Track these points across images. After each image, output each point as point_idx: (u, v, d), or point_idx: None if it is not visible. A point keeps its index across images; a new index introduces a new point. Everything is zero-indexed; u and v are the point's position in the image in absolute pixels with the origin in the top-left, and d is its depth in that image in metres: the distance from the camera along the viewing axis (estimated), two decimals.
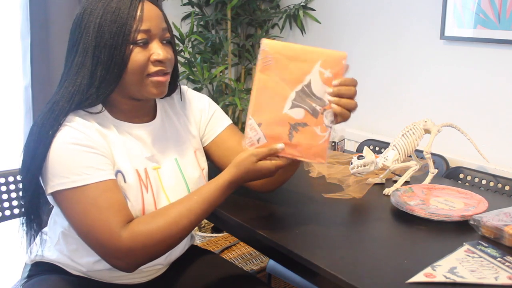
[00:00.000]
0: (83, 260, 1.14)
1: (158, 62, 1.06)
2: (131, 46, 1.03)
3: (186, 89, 1.29)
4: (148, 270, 1.19)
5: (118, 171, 1.07)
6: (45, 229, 1.23)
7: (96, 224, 0.99)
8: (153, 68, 1.06)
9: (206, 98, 1.30)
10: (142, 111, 1.16)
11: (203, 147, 1.28)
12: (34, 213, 1.10)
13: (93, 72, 1.04)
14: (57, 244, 1.17)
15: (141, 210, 1.08)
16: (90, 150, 1.02)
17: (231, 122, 1.29)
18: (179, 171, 1.17)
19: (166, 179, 1.15)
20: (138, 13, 1.03)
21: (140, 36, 1.03)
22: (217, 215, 1.27)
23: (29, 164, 1.03)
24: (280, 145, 1.03)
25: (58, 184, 1.00)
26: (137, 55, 1.04)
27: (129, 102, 1.11)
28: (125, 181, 1.08)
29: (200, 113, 1.26)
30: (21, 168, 1.06)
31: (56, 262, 1.17)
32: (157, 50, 1.05)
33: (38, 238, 1.24)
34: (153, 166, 1.14)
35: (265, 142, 1.04)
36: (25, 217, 1.11)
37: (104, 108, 1.10)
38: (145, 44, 1.05)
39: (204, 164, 1.24)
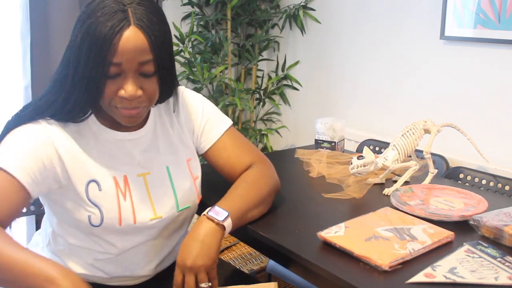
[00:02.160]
0: (70, 262, 1.13)
1: (124, 98, 1.01)
2: (104, 78, 0.98)
3: (181, 92, 1.24)
4: (143, 276, 1.19)
5: (90, 181, 1.06)
6: (39, 230, 1.22)
7: None
8: (119, 103, 1.01)
9: (200, 103, 1.25)
10: None
11: (202, 153, 1.25)
12: None
13: (70, 93, 1.02)
14: (48, 244, 1.17)
15: (117, 218, 1.07)
16: (33, 152, 1.01)
17: (229, 125, 1.26)
18: (169, 179, 1.16)
19: (154, 187, 1.13)
20: (114, 42, 0.95)
21: (112, 70, 0.98)
22: None
23: None
24: None
25: None
26: (108, 88, 0.99)
27: None
28: (99, 189, 1.07)
29: (193, 122, 1.23)
30: None
31: None
32: (125, 86, 1.00)
33: (33, 239, 1.24)
34: (139, 172, 1.12)
35: None
36: None
37: (90, 113, 1.08)
38: (118, 76, 0.99)
39: (198, 173, 1.22)
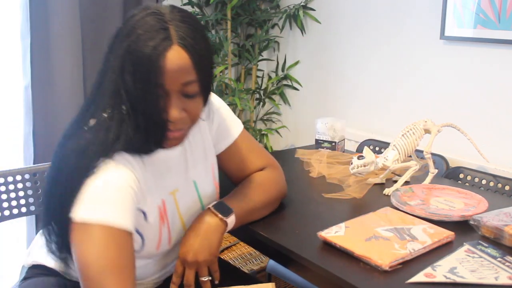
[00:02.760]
0: (73, 268, 1.11)
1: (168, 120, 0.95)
2: (153, 95, 0.92)
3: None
4: (148, 282, 1.18)
5: (141, 211, 1.00)
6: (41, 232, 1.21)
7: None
8: (162, 127, 0.96)
9: (216, 106, 1.20)
10: None
11: None
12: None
13: (133, 123, 0.93)
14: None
15: (156, 245, 1.05)
16: (128, 197, 0.94)
17: (241, 129, 1.22)
18: (196, 192, 1.13)
19: (183, 202, 1.10)
20: (157, 63, 0.89)
21: (157, 90, 0.92)
22: None
23: (56, 211, 0.94)
24: None
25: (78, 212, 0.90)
26: (155, 107, 0.93)
27: None
28: (145, 220, 1.01)
29: (212, 121, 1.19)
30: (45, 212, 0.98)
31: (51, 264, 1.15)
32: (168, 109, 0.93)
33: (35, 241, 1.23)
34: (170, 190, 1.08)
35: None
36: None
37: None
38: (163, 97, 0.93)
39: (217, 178, 1.20)
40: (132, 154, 0.98)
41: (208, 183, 1.16)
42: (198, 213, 1.12)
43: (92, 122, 0.97)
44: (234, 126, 1.22)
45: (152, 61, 0.89)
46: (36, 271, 1.17)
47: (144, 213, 1.01)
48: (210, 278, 1.03)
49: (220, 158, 1.22)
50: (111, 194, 0.91)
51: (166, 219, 1.06)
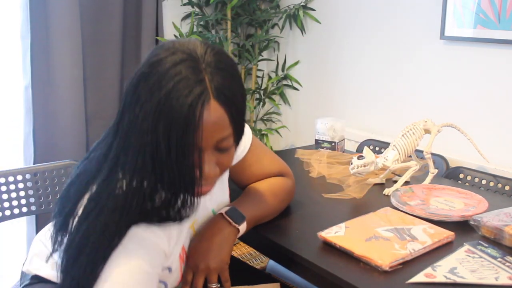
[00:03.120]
0: None
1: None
2: (190, 157, 0.84)
3: None
4: None
5: (166, 268, 0.97)
6: (40, 236, 1.17)
7: None
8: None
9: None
10: None
11: None
12: None
13: (168, 186, 0.87)
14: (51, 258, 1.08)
15: (178, 281, 1.01)
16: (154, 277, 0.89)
17: (251, 140, 1.16)
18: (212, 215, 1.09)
19: (198, 227, 1.07)
20: (196, 122, 0.80)
21: (191, 149, 0.83)
22: None
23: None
24: None
25: None
26: (189, 168, 0.85)
27: None
28: (169, 272, 0.98)
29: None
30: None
31: (51, 277, 1.09)
32: (203, 165, 0.86)
33: (35, 248, 1.18)
34: (190, 224, 1.03)
35: None
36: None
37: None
38: (197, 154, 0.85)
39: (228, 189, 1.17)
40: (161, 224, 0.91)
41: (224, 203, 1.12)
42: None
43: (118, 184, 0.86)
44: (245, 138, 1.13)
45: (189, 121, 0.80)
46: (35, 278, 1.14)
47: (169, 269, 0.97)
48: (219, 285, 0.99)
49: (233, 171, 1.17)
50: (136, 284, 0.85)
51: (185, 254, 1.02)
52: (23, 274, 1.18)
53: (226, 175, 1.15)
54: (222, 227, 1.02)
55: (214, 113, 0.82)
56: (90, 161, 0.93)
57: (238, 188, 1.21)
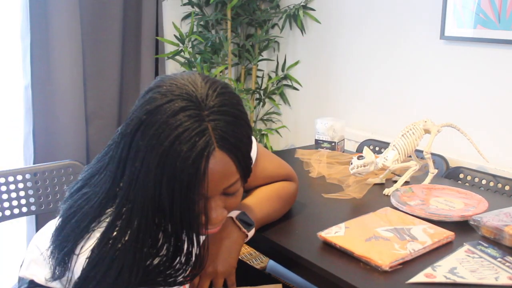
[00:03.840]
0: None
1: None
2: (193, 208, 0.81)
3: None
4: None
5: None
6: (36, 244, 1.16)
7: None
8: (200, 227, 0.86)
9: None
10: None
11: None
12: None
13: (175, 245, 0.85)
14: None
15: None
16: None
17: (256, 151, 1.13)
18: None
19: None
20: (201, 174, 0.77)
21: (197, 198, 0.81)
22: None
23: None
24: None
25: None
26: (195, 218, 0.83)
27: None
28: None
29: None
30: None
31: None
32: (209, 213, 0.84)
33: (32, 254, 1.16)
34: None
35: None
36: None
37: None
38: (204, 202, 0.83)
39: None
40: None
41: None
42: None
43: (121, 236, 0.82)
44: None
45: (194, 175, 0.77)
46: (34, 284, 1.13)
47: None
48: None
49: None
50: None
51: None
52: (20, 279, 1.17)
53: None
54: (232, 232, 1.01)
55: (219, 163, 0.79)
56: (88, 199, 0.88)
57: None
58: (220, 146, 0.78)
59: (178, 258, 0.86)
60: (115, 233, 0.82)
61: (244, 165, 0.84)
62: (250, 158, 0.87)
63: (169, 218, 0.80)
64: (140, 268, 0.81)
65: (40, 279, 1.07)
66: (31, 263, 1.11)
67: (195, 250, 0.88)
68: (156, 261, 0.84)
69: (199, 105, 0.78)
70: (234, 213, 1.04)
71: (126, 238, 0.81)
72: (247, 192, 1.20)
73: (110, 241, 0.82)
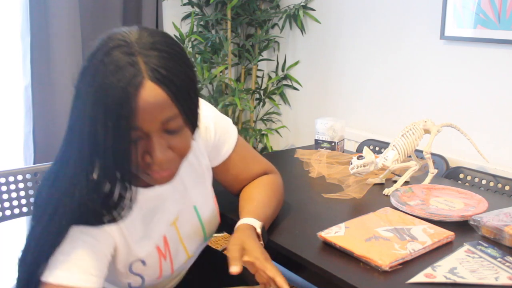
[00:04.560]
0: None
1: (152, 164, 0.85)
2: (128, 146, 0.82)
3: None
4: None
5: (135, 261, 0.97)
6: None
7: None
8: (147, 169, 0.86)
9: (212, 120, 1.10)
10: None
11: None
12: None
13: (105, 178, 0.85)
14: None
15: (158, 277, 1.03)
16: (93, 245, 0.88)
17: (236, 140, 1.14)
18: (197, 217, 1.09)
19: (184, 229, 1.06)
20: (130, 105, 0.79)
21: (133, 135, 0.81)
22: None
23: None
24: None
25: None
26: (133, 155, 0.83)
27: None
28: (144, 265, 0.98)
29: (206, 140, 1.09)
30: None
31: None
32: (151, 152, 0.84)
33: None
34: (171, 221, 1.03)
35: None
36: None
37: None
38: (141, 139, 0.83)
39: (213, 192, 1.15)
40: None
41: (208, 204, 1.12)
42: (200, 237, 1.09)
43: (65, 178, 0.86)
44: (230, 137, 1.13)
45: (124, 106, 0.78)
46: None
47: (142, 261, 0.98)
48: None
49: (217, 171, 1.14)
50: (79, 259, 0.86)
51: (168, 252, 1.02)
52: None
53: (208, 177, 1.12)
54: (251, 232, 1.02)
55: (150, 93, 0.79)
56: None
57: (225, 189, 1.21)
58: (150, 77, 0.80)
59: (110, 199, 0.87)
60: (54, 176, 0.87)
61: (183, 101, 0.83)
62: (193, 99, 0.87)
63: (103, 158, 0.82)
64: (75, 205, 0.84)
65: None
66: None
67: (128, 195, 0.88)
68: (90, 200, 0.85)
69: (131, 44, 0.81)
70: (256, 224, 1.04)
71: (63, 178, 0.85)
72: (237, 191, 1.20)
73: (50, 180, 0.87)
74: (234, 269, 0.91)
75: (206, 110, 1.09)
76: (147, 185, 0.97)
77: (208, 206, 1.11)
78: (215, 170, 1.14)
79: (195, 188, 1.08)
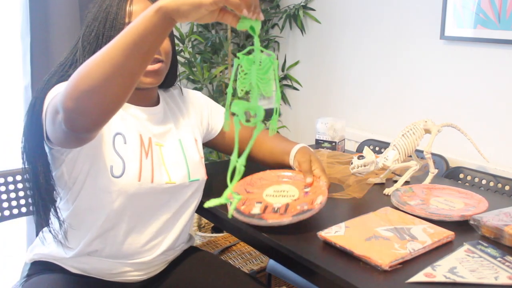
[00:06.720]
0: (73, 241, 1.15)
1: None
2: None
3: (183, 87, 1.37)
4: (146, 268, 1.19)
5: (117, 133, 1.12)
6: (45, 229, 1.23)
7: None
8: None
9: (202, 95, 1.39)
10: (146, 99, 1.21)
11: (211, 140, 1.39)
12: (44, 191, 1.13)
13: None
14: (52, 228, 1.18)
15: (137, 174, 1.10)
16: None
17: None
18: (181, 150, 1.22)
19: (168, 156, 1.19)
20: (127, 7, 1.10)
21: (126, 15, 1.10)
22: (217, 215, 1.27)
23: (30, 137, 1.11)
24: None
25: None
26: None
27: None
28: (125, 142, 1.12)
29: (201, 107, 1.35)
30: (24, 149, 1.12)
31: (53, 259, 1.18)
32: None
33: (37, 240, 1.24)
34: (156, 142, 1.18)
35: None
36: (34, 196, 1.14)
37: None
38: None
39: (202, 154, 1.29)
40: None
41: (194, 151, 1.25)
42: (183, 170, 1.20)
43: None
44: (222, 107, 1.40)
45: (123, 5, 1.11)
46: (38, 267, 1.19)
47: (122, 135, 1.12)
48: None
49: (222, 135, 1.39)
50: None
51: (151, 157, 1.15)
52: (24, 266, 1.23)
53: (198, 131, 1.31)
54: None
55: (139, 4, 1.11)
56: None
57: (225, 154, 1.47)
58: None
59: None
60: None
61: None
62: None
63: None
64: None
65: (44, 256, 1.20)
66: (36, 245, 1.20)
67: None
68: None
69: None
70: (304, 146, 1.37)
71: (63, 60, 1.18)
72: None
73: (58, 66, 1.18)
74: (309, 180, 1.26)
75: (197, 92, 1.40)
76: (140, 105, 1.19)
77: (193, 150, 1.25)
78: (219, 136, 1.39)
79: (178, 131, 1.25)
